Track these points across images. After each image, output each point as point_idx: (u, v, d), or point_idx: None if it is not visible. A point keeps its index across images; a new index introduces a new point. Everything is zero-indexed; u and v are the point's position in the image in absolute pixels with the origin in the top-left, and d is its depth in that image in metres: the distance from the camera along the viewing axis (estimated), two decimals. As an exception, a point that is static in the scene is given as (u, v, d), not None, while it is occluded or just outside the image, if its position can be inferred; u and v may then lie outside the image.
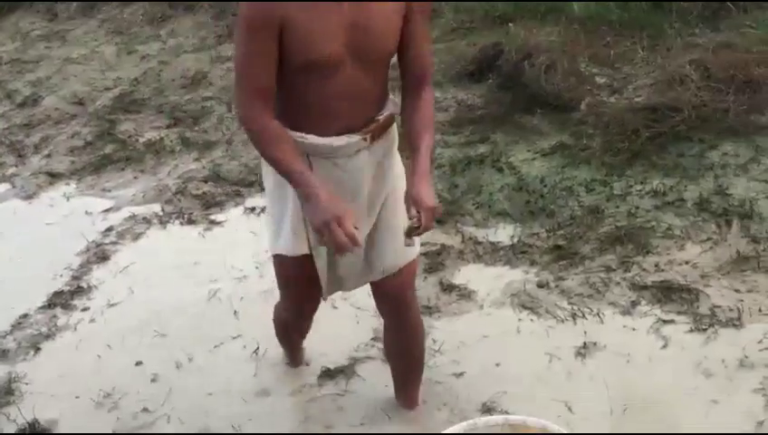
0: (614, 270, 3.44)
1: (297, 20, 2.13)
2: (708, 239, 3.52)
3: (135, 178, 4.92)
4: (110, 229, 4.37)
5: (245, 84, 2.22)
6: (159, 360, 3.30)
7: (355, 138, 2.33)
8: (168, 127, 5.46)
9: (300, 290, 2.61)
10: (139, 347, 3.39)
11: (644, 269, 3.41)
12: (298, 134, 2.29)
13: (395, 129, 2.48)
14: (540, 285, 3.45)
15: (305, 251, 2.43)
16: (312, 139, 2.30)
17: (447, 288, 3.51)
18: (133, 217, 4.43)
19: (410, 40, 2.29)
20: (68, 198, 4.81)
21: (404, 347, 2.79)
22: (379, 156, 2.42)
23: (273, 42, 2.15)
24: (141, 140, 5.33)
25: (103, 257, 4.11)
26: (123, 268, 3.99)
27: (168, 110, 5.69)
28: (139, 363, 3.30)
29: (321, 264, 2.45)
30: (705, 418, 2.66)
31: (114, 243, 4.23)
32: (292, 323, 2.94)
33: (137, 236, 4.27)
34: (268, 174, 2.44)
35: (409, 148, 2.32)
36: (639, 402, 2.77)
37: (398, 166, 2.50)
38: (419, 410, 2.87)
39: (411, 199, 2.23)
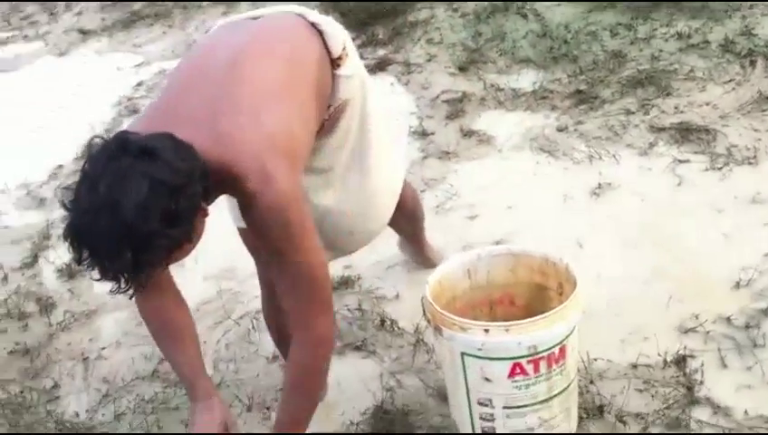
0: (633, 113, 3.45)
1: None
2: (731, 80, 3.49)
3: (164, 33, 4.96)
4: (140, 84, 4.46)
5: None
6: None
7: None
8: (196, -18, 5.45)
9: None
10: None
11: (663, 111, 3.41)
12: None
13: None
14: (559, 129, 3.47)
15: None
16: None
17: (467, 134, 3.55)
18: (163, 71, 4.50)
19: None
20: (99, 54, 4.89)
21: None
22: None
23: None
24: (169, -5, 5.35)
25: (134, 111, 4.21)
26: (153, 121, 4.08)
27: (196, -36, 5.66)
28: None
29: None
30: (716, 250, 2.70)
31: (144, 97, 4.32)
32: None
33: (166, 90, 4.36)
34: None
35: None
36: (650, 238, 2.81)
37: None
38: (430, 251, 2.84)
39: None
